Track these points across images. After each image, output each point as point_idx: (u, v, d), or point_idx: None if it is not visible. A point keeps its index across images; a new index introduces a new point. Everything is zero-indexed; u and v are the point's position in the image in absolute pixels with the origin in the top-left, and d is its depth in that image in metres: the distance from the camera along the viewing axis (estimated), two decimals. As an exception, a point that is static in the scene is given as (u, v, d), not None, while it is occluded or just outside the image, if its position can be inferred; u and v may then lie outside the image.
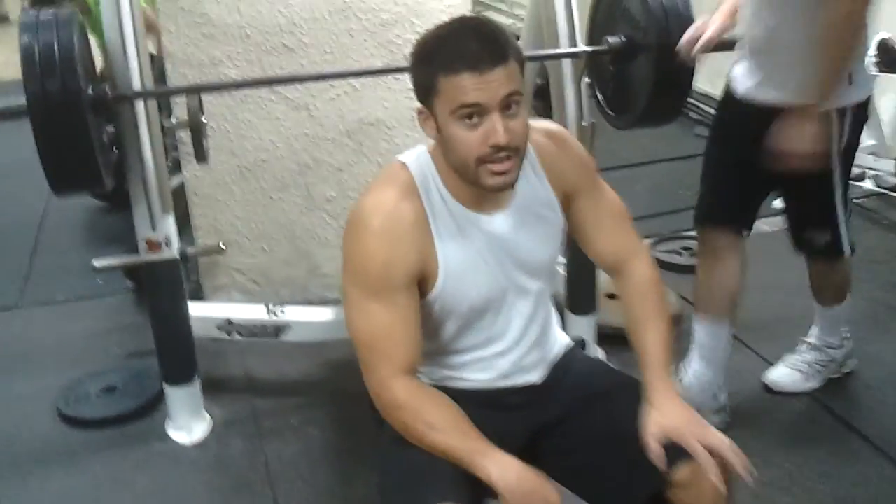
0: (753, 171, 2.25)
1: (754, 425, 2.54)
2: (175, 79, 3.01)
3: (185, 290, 2.57)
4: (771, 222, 3.99)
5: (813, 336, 2.71)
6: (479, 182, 1.47)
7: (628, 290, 1.70)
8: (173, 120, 2.64)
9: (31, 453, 2.56)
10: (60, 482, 2.44)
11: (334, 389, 2.79)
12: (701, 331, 2.48)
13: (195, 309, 2.64)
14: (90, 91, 2.12)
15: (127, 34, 2.26)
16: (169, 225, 2.43)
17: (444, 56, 1.42)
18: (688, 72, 2.44)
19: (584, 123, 2.59)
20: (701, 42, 2.30)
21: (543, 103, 2.83)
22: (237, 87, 3.03)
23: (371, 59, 3.15)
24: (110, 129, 2.31)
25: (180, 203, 3.12)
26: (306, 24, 3.09)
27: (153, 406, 2.72)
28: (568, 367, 1.72)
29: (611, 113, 2.69)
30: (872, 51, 3.93)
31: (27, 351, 3.14)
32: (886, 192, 4.02)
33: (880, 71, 3.95)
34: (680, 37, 2.34)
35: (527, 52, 2.06)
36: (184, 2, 2.98)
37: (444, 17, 1.53)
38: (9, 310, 3.47)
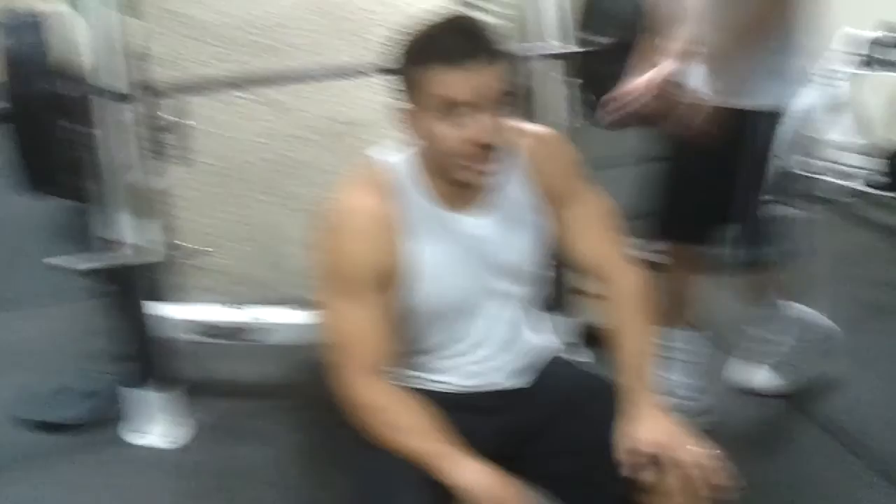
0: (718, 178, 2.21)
1: (732, 424, 2.52)
2: (156, 79, 2.95)
3: (148, 291, 2.52)
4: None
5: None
6: (457, 177, 1.47)
7: (613, 298, 1.66)
8: (156, 120, 2.60)
9: (-11, 458, 2.51)
10: (22, 486, 2.39)
11: (307, 393, 2.75)
12: (678, 339, 2.45)
13: (161, 310, 2.59)
14: (69, 93, 2.07)
15: (107, 33, 2.22)
16: (132, 226, 2.38)
17: (430, 52, 1.41)
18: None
19: (571, 124, 2.56)
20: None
21: (528, 103, 2.80)
22: (222, 88, 2.97)
23: (356, 59, 3.10)
24: (88, 128, 2.27)
25: (158, 203, 3.07)
26: (289, 23, 3.04)
27: (121, 409, 2.66)
28: (548, 371, 1.69)
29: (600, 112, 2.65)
30: (864, 49, 3.93)
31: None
32: (873, 190, 4.00)
33: (871, 69, 3.95)
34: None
35: (515, 52, 2.04)
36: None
37: (427, 17, 1.49)
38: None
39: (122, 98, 2.23)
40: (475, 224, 1.55)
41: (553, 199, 1.63)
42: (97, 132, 2.25)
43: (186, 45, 2.96)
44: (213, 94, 2.99)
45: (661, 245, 2.46)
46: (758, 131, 2.11)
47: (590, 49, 2.49)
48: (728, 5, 2.05)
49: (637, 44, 2.35)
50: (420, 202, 1.52)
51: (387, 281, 1.50)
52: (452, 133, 1.42)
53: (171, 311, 2.62)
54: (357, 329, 1.49)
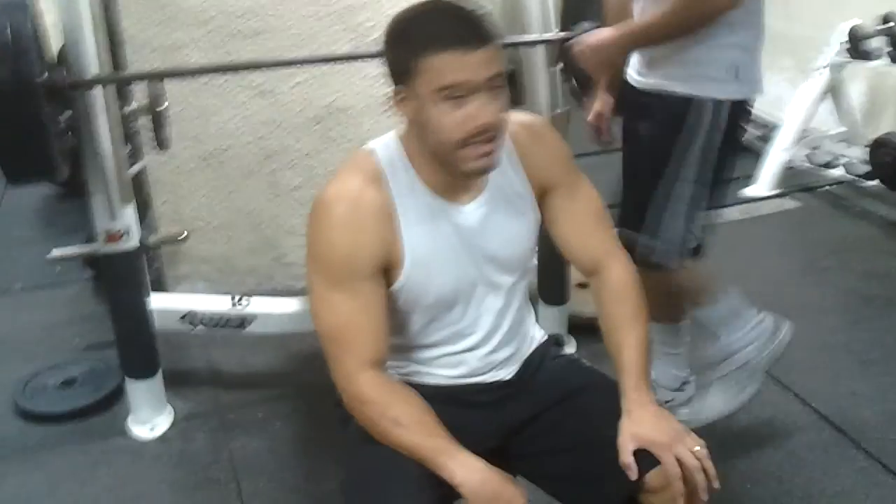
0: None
1: (728, 417, 2.49)
2: (134, 64, 2.92)
3: (145, 281, 2.50)
4: (741, 209, 4.01)
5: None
6: (459, 167, 1.43)
7: (604, 292, 1.64)
8: (133, 105, 2.57)
9: (-14, 448, 2.49)
10: (17, 478, 2.37)
11: (300, 382, 2.74)
12: (659, 332, 2.43)
13: (157, 300, 2.57)
14: (45, 77, 2.04)
15: (83, 16, 2.17)
16: (128, 215, 2.35)
17: (427, 35, 1.38)
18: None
19: (557, 110, 2.55)
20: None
21: (514, 90, 2.79)
22: (199, 73, 2.95)
23: (338, 43, 3.09)
24: (67, 115, 2.23)
25: (141, 191, 3.05)
26: (271, 6, 3.01)
27: (114, 400, 2.65)
28: (541, 364, 1.68)
29: (585, 99, 2.64)
30: (843, 38, 3.94)
31: (-18, 343, 3.05)
32: (857, 179, 4.02)
33: (851, 58, 3.96)
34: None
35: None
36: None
37: (413, 2, 1.47)
38: (-36, 300, 3.38)
39: (98, 83, 2.19)
40: (467, 213, 1.53)
41: (541, 188, 1.61)
42: (73, 118, 2.21)
43: (163, 28, 2.93)
44: (192, 78, 2.97)
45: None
46: (694, 120, 2.04)
47: (573, 35, 2.46)
48: None
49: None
50: (411, 191, 1.49)
51: (379, 271, 1.48)
52: (456, 118, 1.38)
53: (159, 300, 2.59)
54: (354, 321, 1.47)
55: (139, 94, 2.70)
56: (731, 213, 3.97)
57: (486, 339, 1.60)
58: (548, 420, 1.60)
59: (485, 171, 1.46)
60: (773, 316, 2.43)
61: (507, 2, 2.77)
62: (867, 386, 2.65)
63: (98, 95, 2.21)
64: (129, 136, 2.64)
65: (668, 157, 2.08)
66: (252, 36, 3.01)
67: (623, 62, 2.20)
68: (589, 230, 1.65)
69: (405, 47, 1.40)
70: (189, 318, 2.60)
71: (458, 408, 1.54)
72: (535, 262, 2.69)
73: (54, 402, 2.65)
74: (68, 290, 3.38)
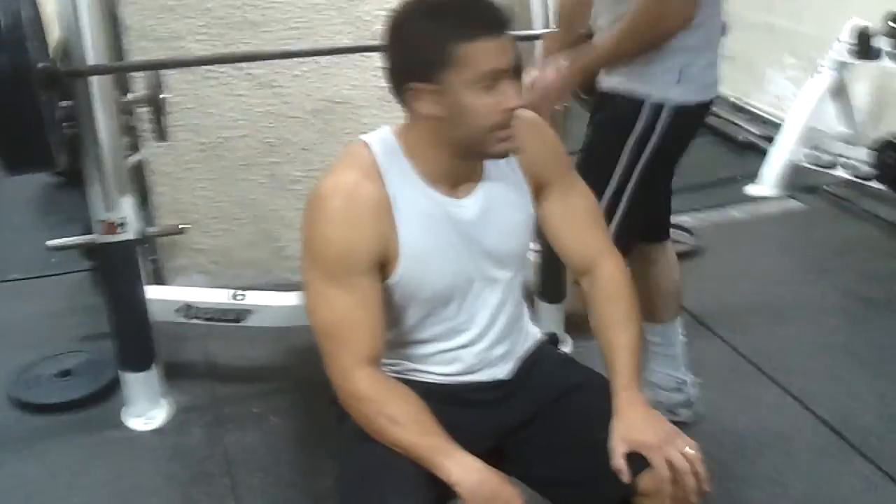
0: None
1: (724, 417, 2.50)
2: (134, 53, 2.90)
3: (142, 273, 2.48)
4: (742, 209, 4.00)
5: None
6: (489, 151, 1.45)
7: (597, 291, 1.63)
8: (133, 96, 2.55)
9: (-20, 439, 2.48)
10: (11, 469, 2.36)
11: (298, 377, 2.72)
12: (653, 334, 2.42)
13: (153, 292, 2.56)
14: (41, 65, 2.02)
15: (83, 5, 2.15)
16: (125, 206, 2.33)
17: (460, 24, 1.37)
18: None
19: (555, 107, 2.53)
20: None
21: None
22: (198, 64, 2.94)
23: (339, 35, 3.07)
24: (64, 104, 2.21)
25: (141, 181, 3.04)
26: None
27: (110, 391, 2.63)
28: (537, 363, 1.67)
29: (584, 97, 2.62)
30: (848, 37, 3.91)
31: (-21, 332, 3.04)
32: (859, 180, 4.00)
33: (857, 58, 3.93)
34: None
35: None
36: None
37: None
38: (-39, 288, 3.37)
39: (96, 72, 2.17)
40: (464, 206, 1.52)
41: (537, 184, 1.60)
42: (73, 107, 2.19)
43: (163, 18, 2.91)
44: (192, 69, 2.95)
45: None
46: (632, 121, 2.04)
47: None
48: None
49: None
50: (409, 184, 1.48)
51: (376, 265, 1.46)
52: (489, 104, 1.39)
53: (155, 292, 2.58)
54: (350, 317, 1.45)
55: (139, 85, 2.70)
56: (733, 213, 3.96)
57: (482, 336, 1.59)
58: (542, 421, 1.59)
59: (513, 152, 1.48)
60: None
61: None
62: (867, 389, 2.64)
63: (96, 85, 2.19)
64: (128, 126, 2.63)
65: (614, 156, 2.08)
66: (252, 27, 2.99)
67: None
68: (582, 229, 1.65)
69: (435, 40, 1.37)
70: (186, 310, 2.59)
71: (453, 407, 1.53)
72: (533, 257, 2.71)
73: (50, 393, 2.63)
74: (66, 280, 3.36)
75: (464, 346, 1.59)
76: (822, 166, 4.16)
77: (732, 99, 5.10)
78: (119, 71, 2.58)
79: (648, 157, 2.06)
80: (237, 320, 2.62)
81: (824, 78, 4.07)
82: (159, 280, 3.17)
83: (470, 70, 1.37)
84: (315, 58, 3.07)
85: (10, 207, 4.07)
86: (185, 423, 2.53)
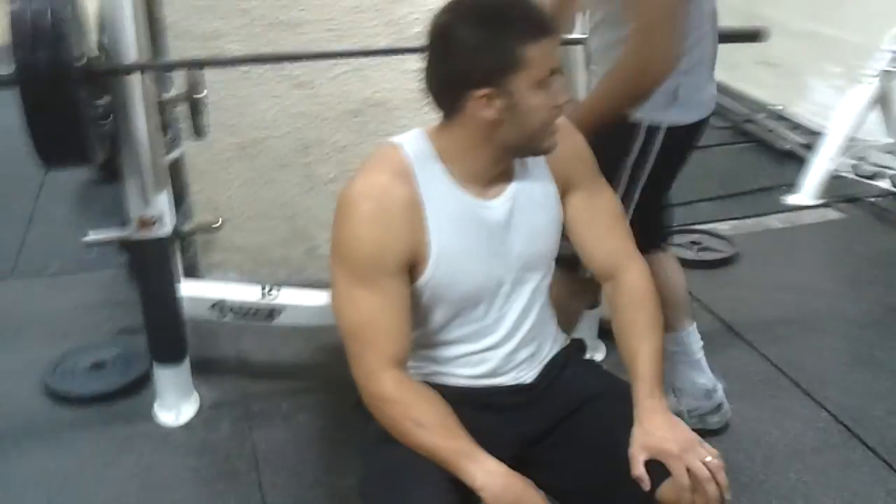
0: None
1: (756, 428, 2.47)
2: (174, 51, 2.93)
3: (176, 269, 2.50)
4: (781, 218, 3.94)
5: None
6: (541, 147, 1.48)
7: (621, 298, 1.63)
8: (172, 93, 2.58)
9: (13, 428, 2.51)
10: (42, 459, 2.39)
11: (327, 376, 2.72)
12: (670, 343, 2.39)
13: (187, 288, 2.58)
14: (82, 62, 2.05)
15: (124, 3, 2.18)
16: (161, 202, 2.36)
17: (524, 25, 1.37)
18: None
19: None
20: None
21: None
22: (236, 64, 2.96)
23: (377, 37, 3.07)
24: (103, 101, 2.24)
25: (178, 178, 3.06)
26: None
27: (141, 385, 2.66)
28: (562, 368, 1.66)
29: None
30: (891, 46, 3.85)
31: (16, 322, 3.08)
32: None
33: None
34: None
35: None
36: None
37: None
38: (1, 279, 3.41)
39: (136, 69, 2.19)
40: (493, 208, 1.52)
41: (564, 185, 1.60)
42: (111, 104, 2.21)
43: (204, 16, 2.94)
44: (231, 68, 2.98)
45: None
46: (629, 142, 2.04)
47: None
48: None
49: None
50: (439, 185, 1.48)
51: (404, 267, 1.46)
52: (546, 102, 1.41)
53: (189, 288, 2.60)
54: (377, 318, 1.45)
55: (179, 82, 2.72)
56: (772, 222, 3.91)
57: (508, 338, 1.59)
58: (565, 429, 1.59)
59: (554, 147, 1.49)
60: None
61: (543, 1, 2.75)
62: (904, 406, 2.59)
63: (136, 82, 2.22)
64: (167, 123, 2.66)
65: (612, 178, 2.06)
66: (292, 27, 3.01)
67: None
68: (607, 233, 1.64)
69: (501, 45, 1.37)
70: (219, 307, 2.61)
71: (478, 411, 1.52)
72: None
73: (83, 385, 2.67)
74: (103, 274, 3.40)
75: (490, 349, 1.58)
76: (863, 176, 4.10)
77: (774, 107, 5.03)
78: (157, 69, 2.60)
79: (647, 176, 2.07)
80: (269, 318, 2.63)
81: (867, 87, 4.01)
82: (195, 275, 3.19)
83: (535, 71, 1.38)
84: (354, 59, 3.08)
85: (51, 202, 4.13)
86: (213, 418, 2.55)
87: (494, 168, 1.51)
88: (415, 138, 1.51)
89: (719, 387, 2.42)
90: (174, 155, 3.07)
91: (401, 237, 1.44)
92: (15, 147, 2.02)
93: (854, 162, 4.15)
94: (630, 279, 1.62)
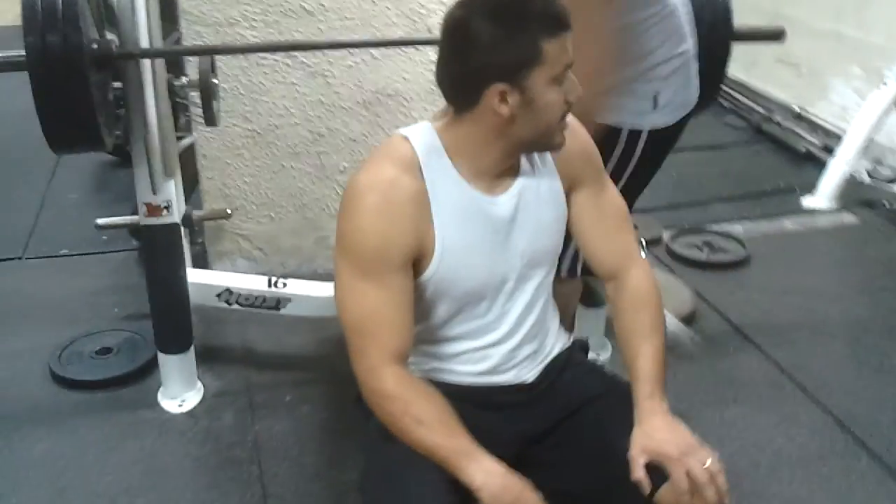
0: None
1: (760, 433, 2.45)
2: (188, 37, 2.92)
3: (183, 256, 2.50)
4: (796, 221, 3.90)
5: None
6: (553, 142, 1.47)
7: (623, 299, 1.61)
8: (184, 80, 2.57)
9: (18, 411, 2.52)
10: (45, 443, 2.39)
11: (332, 368, 2.71)
12: None
13: (195, 276, 2.58)
14: (94, 46, 2.04)
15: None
16: (170, 189, 2.35)
17: (542, 19, 1.36)
18: (722, 58, 2.34)
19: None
20: None
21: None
22: (250, 51, 2.95)
23: (393, 27, 3.06)
24: (117, 85, 2.23)
25: (191, 165, 3.06)
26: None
27: (146, 372, 2.66)
28: (563, 369, 1.65)
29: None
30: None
31: (25, 305, 3.09)
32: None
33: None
34: (714, 24, 2.23)
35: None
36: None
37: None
38: (11, 261, 3.42)
39: (147, 55, 2.18)
40: (499, 203, 1.50)
41: (570, 183, 1.59)
42: (123, 89, 2.21)
43: (218, 3, 2.93)
44: (244, 56, 2.97)
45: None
46: (623, 146, 2.05)
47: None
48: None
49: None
50: (446, 180, 1.47)
51: (409, 261, 1.45)
52: (560, 97, 1.41)
53: (196, 276, 2.60)
54: (380, 313, 1.44)
55: (191, 69, 2.72)
56: (787, 225, 3.87)
57: (511, 335, 1.58)
58: (564, 430, 1.58)
59: (565, 141, 1.49)
60: None
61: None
62: (913, 416, 2.56)
63: (147, 68, 2.21)
64: (179, 110, 2.65)
65: None
66: (306, 16, 2.99)
67: None
68: (611, 232, 1.63)
69: (523, 40, 1.36)
70: (226, 295, 2.61)
71: (478, 410, 1.52)
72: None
73: (89, 370, 2.67)
74: (114, 258, 3.41)
75: (492, 345, 1.57)
76: (881, 181, 4.06)
77: (794, 107, 4.98)
78: (171, 55, 2.60)
79: (628, 178, 2.07)
80: (276, 308, 2.62)
81: (890, 90, 3.96)
82: (203, 264, 3.20)
83: (554, 66, 1.37)
84: (368, 49, 3.07)
85: (66, 184, 4.13)
86: (217, 407, 2.55)
87: (503, 164, 1.49)
88: (423, 131, 1.50)
89: None
90: (186, 142, 3.07)
91: (406, 231, 1.43)
92: (30, 129, 2.01)
93: (871, 166, 4.10)
94: (633, 280, 1.61)
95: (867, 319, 3.08)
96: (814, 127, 4.83)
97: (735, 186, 4.20)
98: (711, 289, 3.18)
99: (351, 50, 3.05)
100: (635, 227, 1.71)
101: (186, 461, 2.36)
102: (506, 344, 1.58)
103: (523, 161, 1.53)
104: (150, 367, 2.64)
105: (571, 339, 1.73)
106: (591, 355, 1.84)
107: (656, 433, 1.44)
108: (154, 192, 2.32)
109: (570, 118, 1.55)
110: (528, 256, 1.55)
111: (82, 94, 2.01)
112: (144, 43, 2.19)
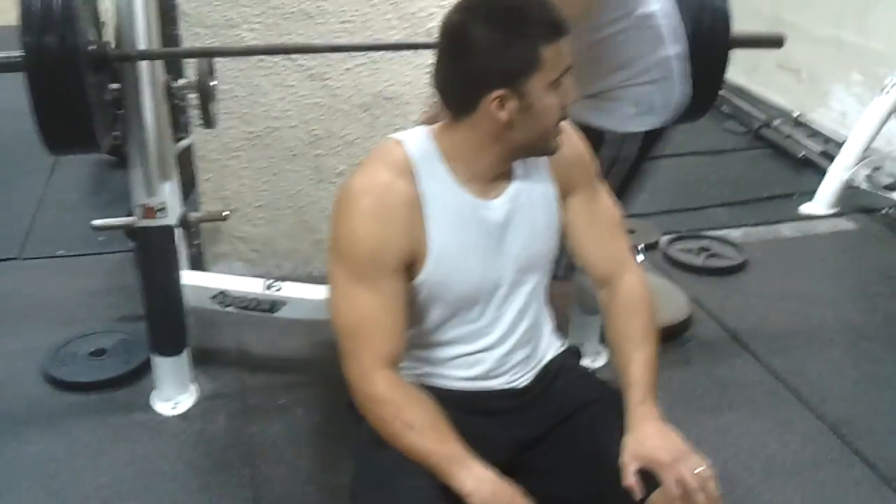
0: None
1: (754, 440, 2.44)
2: (187, 39, 2.92)
3: (181, 258, 2.50)
4: (793, 227, 3.90)
5: None
6: (549, 147, 1.47)
7: (616, 305, 1.61)
8: (183, 81, 2.57)
9: (11, 412, 2.51)
10: (38, 444, 2.39)
11: (327, 371, 2.67)
12: None
13: (189, 278, 2.58)
14: (91, 48, 2.04)
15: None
16: (166, 191, 2.35)
17: (540, 24, 1.36)
18: (721, 63, 2.33)
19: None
20: None
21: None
22: (248, 54, 2.95)
23: (392, 31, 3.06)
24: (115, 86, 2.23)
25: (188, 167, 3.06)
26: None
27: (141, 373, 2.65)
28: (556, 374, 1.64)
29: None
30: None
31: (22, 305, 3.09)
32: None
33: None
34: (713, 30, 2.22)
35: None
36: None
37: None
38: (8, 261, 3.42)
39: (145, 57, 2.18)
40: (493, 208, 1.50)
41: (564, 188, 1.59)
42: (120, 91, 2.20)
43: (218, 5, 2.93)
44: (243, 58, 2.97)
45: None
46: (609, 150, 2.05)
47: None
48: None
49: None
50: (440, 184, 1.47)
51: (403, 265, 1.45)
52: (556, 101, 1.41)
53: (191, 278, 2.59)
54: (373, 317, 1.44)
55: (192, 70, 2.71)
56: (785, 231, 3.87)
57: (504, 340, 1.57)
58: (556, 436, 1.57)
59: (560, 146, 1.49)
60: None
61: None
62: (907, 423, 2.55)
63: (145, 70, 2.21)
64: (177, 111, 2.65)
65: None
66: (306, 18, 2.99)
67: None
68: (604, 238, 1.63)
69: (523, 41, 1.36)
70: (220, 298, 2.60)
71: (470, 415, 1.51)
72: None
73: (83, 372, 2.66)
74: (111, 259, 3.40)
75: (485, 350, 1.57)
76: (880, 188, 4.05)
77: (794, 113, 4.98)
78: (168, 57, 2.60)
79: (614, 179, 2.06)
80: (271, 311, 2.62)
81: (890, 97, 3.96)
82: (199, 265, 3.19)
83: (552, 72, 1.37)
84: (367, 52, 3.07)
85: (64, 185, 4.14)
86: (211, 410, 2.54)
87: (498, 168, 1.49)
88: (418, 135, 1.50)
89: None
90: (184, 143, 3.07)
91: (400, 234, 1.43)
92: (28, 130, 2.01)
93: (870, 172, 4.10)
94: (626, 285, 1.61)
95: (864, 326, 3.07)
96: (812, 132, 4.83)
97: (733, 192, 4.19)
98: (708, 294, 3.18)
99: (350, 53, 3.05)
100: (631, 231, 1.72)
101: (179, 464, 2.35)
102: (498, 349, 1.57)
103: (518, 165, 1.53)
104: (144, 368, 2.63)
105: (565, 345, 1.72)
106: (584, 362, 1.84)
107: (648, 439, 1.44)
108: (149, 194, 2.32)
109: (565, 123, 1.55)
110: (521, 261, 1.54)
111: (78, 95, 2.00)
112: (142, 45, 2.20)
